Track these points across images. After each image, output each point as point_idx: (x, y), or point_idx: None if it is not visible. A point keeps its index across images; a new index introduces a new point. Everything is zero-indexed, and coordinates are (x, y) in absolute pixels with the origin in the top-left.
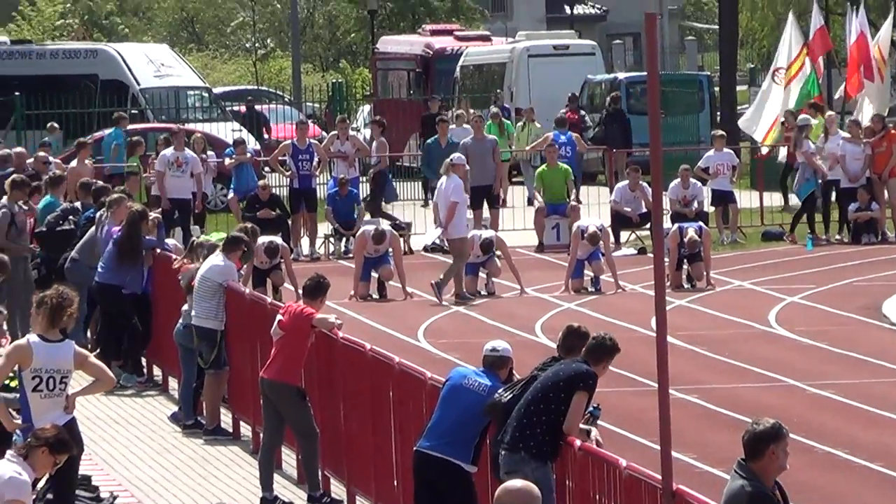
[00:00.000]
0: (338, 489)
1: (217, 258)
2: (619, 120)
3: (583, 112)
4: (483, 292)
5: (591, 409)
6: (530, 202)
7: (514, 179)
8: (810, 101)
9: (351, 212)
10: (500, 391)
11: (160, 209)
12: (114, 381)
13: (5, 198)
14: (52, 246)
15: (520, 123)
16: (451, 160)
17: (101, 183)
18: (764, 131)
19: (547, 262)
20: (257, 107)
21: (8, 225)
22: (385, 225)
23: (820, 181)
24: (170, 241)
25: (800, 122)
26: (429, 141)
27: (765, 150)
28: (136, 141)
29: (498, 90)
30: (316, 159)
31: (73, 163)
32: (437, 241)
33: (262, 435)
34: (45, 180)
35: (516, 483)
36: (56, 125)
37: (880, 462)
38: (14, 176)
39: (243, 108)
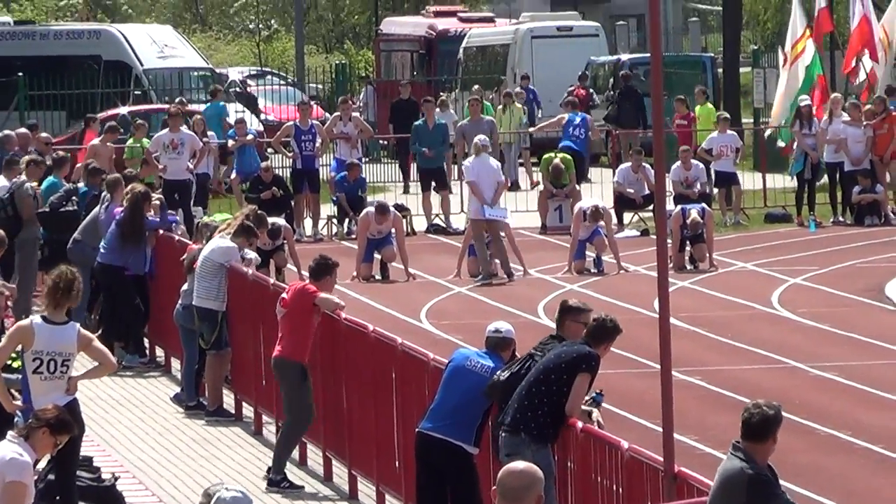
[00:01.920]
0: (339, 470)
1: (221, 239)
2: (631, 98)
3: (591, 90)
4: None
5: (594, 394)
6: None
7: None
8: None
9: (357, 194)
10: (498, 371)
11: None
12: (115, 366)
13: (22, 175)
14: (55, 227)
15: (500, 107)
16: (481, 142)
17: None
18: (773, 114)
19: (549, 244)
20: (260, 87)
21: (33, 199)
22: (389, 202)
23: (811, 161)
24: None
25: (799, 101)
26: (417, 123)
27: (768, 133)
28: (140, 124)
29: (523, 74)
30: (318, 140)
31: (96, 140)
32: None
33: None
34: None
35: (519, 465)
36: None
37: (882, 444)
38: (32, 155)
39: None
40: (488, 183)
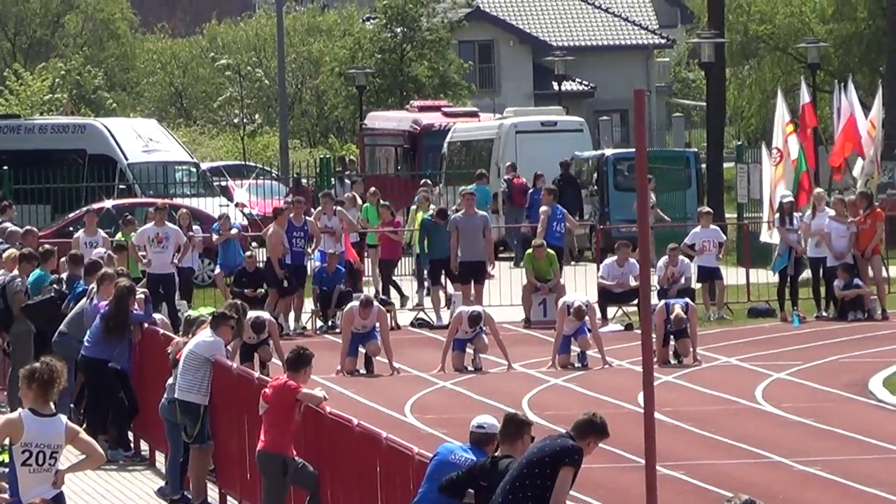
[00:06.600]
0: None
1: (206, 333)
2: (572, 185)
3: (523, 179)
4: (470, 368)
5: None
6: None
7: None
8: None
9: (335, 286)
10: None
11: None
12: (103, 458)
13: (16, 269)
14: (36, 317)
15: (413, 207)
16: None
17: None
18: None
19: (534, 338)
20: (245, 182)
21: (24, 294)
22: (372, 295)
23: (794, 257)
24: (157, 316)
25: (781, 197)
26: (425, 216)
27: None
28: (129, 219)
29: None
30: (309, 237)
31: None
32: None
33: None
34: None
35: None
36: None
37: None
38: (24, 249)
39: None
40: None
